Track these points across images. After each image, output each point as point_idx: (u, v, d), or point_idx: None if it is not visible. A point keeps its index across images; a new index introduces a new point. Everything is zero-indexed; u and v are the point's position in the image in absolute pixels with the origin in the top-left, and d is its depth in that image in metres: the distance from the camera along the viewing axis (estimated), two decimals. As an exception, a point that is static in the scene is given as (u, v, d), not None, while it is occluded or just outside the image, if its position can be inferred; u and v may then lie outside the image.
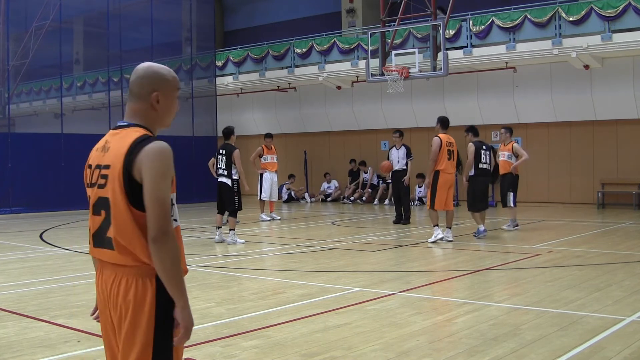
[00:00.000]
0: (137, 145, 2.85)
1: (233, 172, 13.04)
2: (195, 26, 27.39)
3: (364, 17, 26.14)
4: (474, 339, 5.94)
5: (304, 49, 24.73)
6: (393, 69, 19.47)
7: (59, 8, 22.81)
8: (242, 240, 13.23)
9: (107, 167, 2.90)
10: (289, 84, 25.86)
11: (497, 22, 20.43)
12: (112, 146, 2.93)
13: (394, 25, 20.54)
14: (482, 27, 20.69)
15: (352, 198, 24.40)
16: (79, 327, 6.55)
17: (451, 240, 12.85)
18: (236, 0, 31.81)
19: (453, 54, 20.28)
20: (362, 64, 22.22)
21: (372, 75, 20.43)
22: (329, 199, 25.09)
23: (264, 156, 18.08)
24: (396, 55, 19.82)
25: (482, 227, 13.49)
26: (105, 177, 2.89)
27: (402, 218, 16.43)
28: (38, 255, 12.25)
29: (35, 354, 5.68)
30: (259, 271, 10.09)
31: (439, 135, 12.96)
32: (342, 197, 25.03)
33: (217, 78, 26.82)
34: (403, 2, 19.92)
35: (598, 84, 20.17)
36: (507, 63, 20.96)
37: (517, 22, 20.05)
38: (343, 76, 24.29)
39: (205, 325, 6.60)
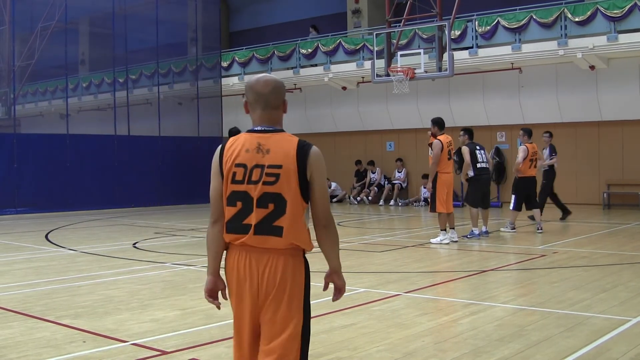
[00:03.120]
0: (303, 148, 3.37)
1: None
2: (201, 27, 27.43)
3: (370, 17, 26.14)
4: (479, 339, 5.93)
5: (309, 50, 24.74)
6: (398, 69, 19.45)
7: (65, 9, 22.84)
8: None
9: (277, 166, 3.34)
10: (295, 84, 25.86)
11: (503, 22, 20.40)
12: (273, 148, 3.37)
13: (399, 25, 20.54)
14: (488, 27, 20.66)
15: (358, 198, 24.41)
16: (84, 328, 6.56)
17: (456, 241, 12.84)
18: (242, 1, 31.83)
19: (458, 55, 20.25)
20: (367, 64, 22.22)
21: (378, 75, 20.43)
22: (334, 200, 25.11)
23: None
24: (402, 55, 19.80)
25: (476, 231, 13.49)
26: (275, 175, 3.33)
27: (565, 212, 16.78)
28: (43, 255, 12.26)
29: (41, 355, 5.68)
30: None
31: (439, 137, 12.89)
32: (347, 196, 25.07)
33: (222, 79, 26.82)
34: (408, 2, 19.91)
35: (604, 84, 20.12)
36: (512, 64, 20.93)
37: (522, 22, 20.02)
38: (348, 77, 24.30)
39: (211, 326, 6.61)
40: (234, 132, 13.53)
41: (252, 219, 3.35)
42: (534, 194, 14.45)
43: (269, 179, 3.33)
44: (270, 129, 3.45)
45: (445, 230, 12.79)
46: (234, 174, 3.38)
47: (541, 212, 14.92)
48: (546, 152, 16.49)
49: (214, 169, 3.49)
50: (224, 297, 3.59)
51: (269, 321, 3.37)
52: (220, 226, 3.48)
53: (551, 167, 16.43)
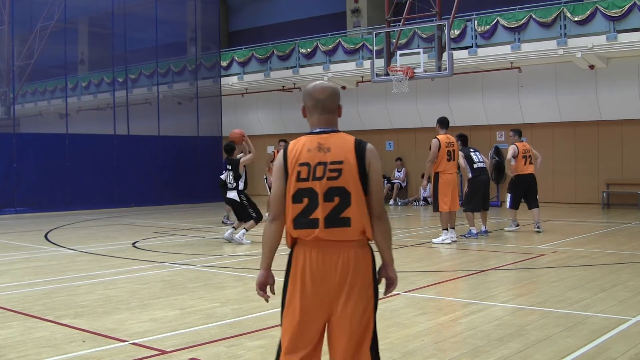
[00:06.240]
0: (360, 145, 3.65)
1: (239, 183, 13.28)
2: (200, 26, 27.44)
3: (369, 17, 26.13)
4: (478, 339, 5.94)
5: (308, 49, 24.73)
6: (398, 69, 19.45)
7: (64, 8, 22.83)
8: (249, 241, 13.22)
9: (339, 162, 3.59)
10: (294, 84, 25.85)
11: (502, 22, 20.40)
12: (333, 147, 3.64)
13: (398, 25, 20.54)
14: (487, 27, 20.66)
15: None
16: (84, 327, 6.56)
17: (455, 241, 12.84)
18: (241, 1, 31.82)
19: (458, 54, 20.25)
20: (367, 64, 22.22)
21: (377, 75, 20.43)
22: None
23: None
24: (401, 55, 19.80)
25: (474, 230, 13.51)
26: (338, 170, 3.58)
27: None
28: (43, 255, 12.26)
29: (40, 354, 5.68)
30: (263, 271, 10.05)
31: (438, 136, 12.93)
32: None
33: (221, 78, 26.82)
34: (408, 2, 19.91)
35: (603, 84, 20.13)
36: (512, 63, 20.92)
37: (522, 22, 20.02)
38: (348, 76, 24.29)
39: (210, 325, 6.61)
40: (228, 149, 13.85)
41: (320, 213, 3.57)
42: (533, 192, 14.44)
43: (332, 174, 3.58)
44: (328, 130, 3.72)
45: (447, 229, 12.81)
46: (299, 172, 3.61)
47: None
48: None
49: (279, 172, 3.70)
50: (272, 292, 3.87)
51: (344, 311, 3.56)
52: (278, 223, 3.70)
53: None
